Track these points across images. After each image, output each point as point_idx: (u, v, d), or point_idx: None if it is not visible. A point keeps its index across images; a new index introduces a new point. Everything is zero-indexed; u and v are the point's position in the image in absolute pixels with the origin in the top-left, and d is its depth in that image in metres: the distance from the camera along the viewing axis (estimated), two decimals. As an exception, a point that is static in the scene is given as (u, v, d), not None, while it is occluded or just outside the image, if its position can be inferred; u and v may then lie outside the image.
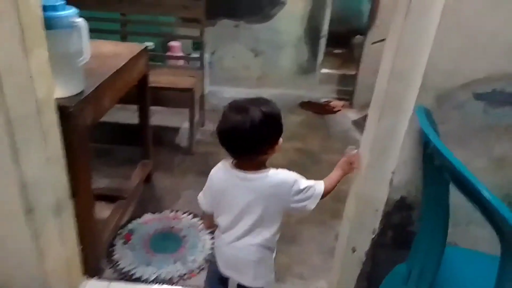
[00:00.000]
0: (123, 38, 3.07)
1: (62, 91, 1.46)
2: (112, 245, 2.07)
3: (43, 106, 1.29)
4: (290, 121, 3.62)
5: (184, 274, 1.93)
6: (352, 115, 3.78)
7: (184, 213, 2.34)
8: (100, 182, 2.50)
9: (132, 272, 1.93)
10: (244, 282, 1.26)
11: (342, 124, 3.62)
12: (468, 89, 1.10)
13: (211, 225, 1.46)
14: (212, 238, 2.15)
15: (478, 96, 1.09)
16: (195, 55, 3.75)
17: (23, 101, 1.20)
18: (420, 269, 1.06)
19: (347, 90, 4.10)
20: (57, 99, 1.40)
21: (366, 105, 3.87)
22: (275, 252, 1.31)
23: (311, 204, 1.21)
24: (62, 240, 1.54)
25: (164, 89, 2.69)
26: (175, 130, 3.29)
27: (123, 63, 1.85)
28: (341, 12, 4.68)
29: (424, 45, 1.05)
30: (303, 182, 1.19)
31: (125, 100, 1.91)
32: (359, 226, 1.37)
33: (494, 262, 0.80)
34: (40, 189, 1.39)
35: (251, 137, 1.11)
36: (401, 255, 1.39)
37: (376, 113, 1.18)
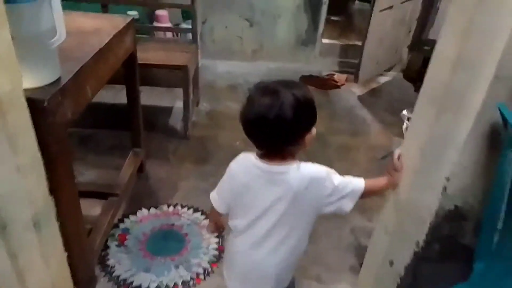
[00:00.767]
0: (104, 8, 2.71)
1: (32, 80, 1.17)
2: (105, 247, 1.84)
3: (7, 103, 1.01)
4: (291, 97, 3.35)
5: (189, 281, 1.72)
6: (357, 90, 3.53)
7: (184, 207, 2.11)
8: (86, 175, 2.24)
9: (130, 280, 1.71)
10: None
11: (347, 100, 3.37)
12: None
13: (217, 229, 1.32)
14: (217, 237, 1.94)
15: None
16: (185, 25, 3.43)
17: (-21, 99, 0.93)
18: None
19: (350, 62, 3.83)
20: (26, 90, 1.11)
21: (372, 79, 3.69)
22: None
23: (348, 203, 1.04)
24: (44, 258, 1.30)
25: (154, 66, 2.39)
26: (167, 110, 3.00)
27: (107, 41, 1.55)
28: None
29: (503, 24, 0.80)
30: (337, 178, 1.03)
31: (110, 79, 1.63)
32: (399, 238, 1.16)
33: None
34: (13, 203, 1.13)
35: (281, 124, 0.94)
36: (447, 269, 1.20)
37: (432, 109, 0.94)
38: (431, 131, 0.95)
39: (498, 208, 0.91)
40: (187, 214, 2.06)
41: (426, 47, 3.67)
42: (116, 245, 1.86)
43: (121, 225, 1.96)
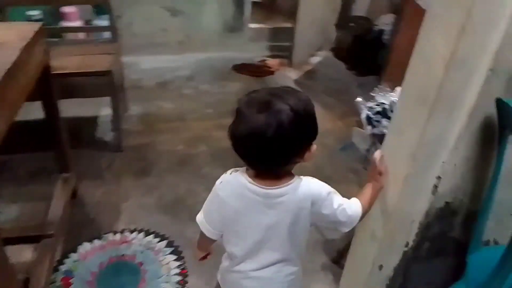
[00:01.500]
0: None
1: None
2: (45, 298, 1.55)
3: None
4: (228, 89, 3.18)
5: (154, 319, 1.52)
6: (292, 73, 3.45)
7: (133, 231, 1.87)
8: (7, 214, 1.89)
9: (83, 332, 1.47)
10: None
11: (284, 85, 3.27)
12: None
13: (206, 255, 1.18)
14: (178, 259, 1.74)
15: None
16: (99, 22, 3.05)
17: None
18: None
19: (281, 45, 3.73)
20: None
21: (305, 62, 3.63)
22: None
23: (345, 229, 0.99)
24: None
25: (73, 75, 2.06)
26: (91, 121, 2.65)
27: (15, 58, 1.24)
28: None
29: (501, 14, 0.72)
30: (337, 200, 0.94)
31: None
32: (388, 243, 1.08)
33: None
34: None
35: (278, 144, 0.82)
36: (436, 265, 1.15)
37: (424, 111, 0.84)
38: (423, 133, 0.86)
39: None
40: (137, 240, 1.83)
41: (352, 24, 3.70)
42: (60, 293, 1.59)
43: (62, 268, 1.68)
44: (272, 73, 3.42)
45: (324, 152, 2.44)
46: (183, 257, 1.76)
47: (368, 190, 1.03)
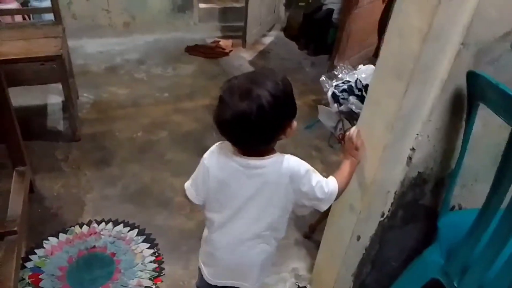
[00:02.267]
0: None
1: None
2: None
3: None
4: (182, 72, 3.11)
5: (134, 307, 1.51)
6: (245, 54, 3.45)
7: (100, 222, 1.81)
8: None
9: (60, 329, 1.42)
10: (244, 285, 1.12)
11: (239, 67, 3.27)
12: (507, 39, 0.89)
13: None
14: (151, 247, 1.72)
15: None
16: (36, 3, 2.83)
17: None
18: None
19: (232, 26, 3.70)
20: None
21: (257, 42, 3.63)
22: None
23: (324, 206, 1.03)
24: None
25: (18, 61, 1.90)
26: (39, 110, 2.48)
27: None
28: None
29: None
30: (315, 178, 0.98)
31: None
32: (366, 214, 1.15)
33: None
34: None
35: (260, 127, 0.88)
36: (409, 231, 1.25)
37: (401, 84, 0.90)
38: (399, 106, 0.92)
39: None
40: (106, 230, 1.78)
41: (301, 3, 3.75)
42: (29, 292, 1.51)
43: (28, 264, 1.59)
44: (226, 54, 3.39)
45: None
46: (156, 244, 1.74)
47: (345, 167, 1.07)
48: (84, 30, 3.29)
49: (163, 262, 1.67)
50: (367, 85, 1.48)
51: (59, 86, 2.16)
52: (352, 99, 1.48)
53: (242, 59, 3.38)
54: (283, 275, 1.68)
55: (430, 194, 1.15)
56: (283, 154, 0.98)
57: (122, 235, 1.76)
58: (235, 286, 1.13)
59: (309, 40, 3.54)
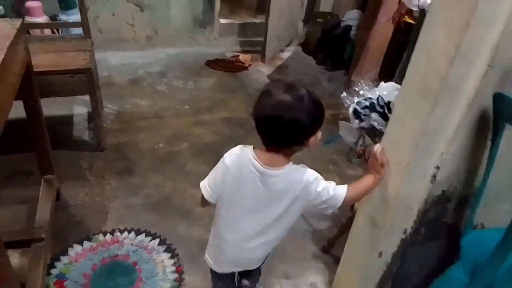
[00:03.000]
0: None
1: None
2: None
3: None
4: (202, 85, 3.18)
5: (155, 316, 1.54)
6: (264, 69, 3.50)
7: (123, 231, 1.85)
8: (-11, 220, 1.81)
9: (83, 335, 1.45)
10: (248, 269, 1.26)
11: (258, 81, 3.33)
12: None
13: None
14: (172, 257, 1.76)
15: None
16: (65, 17, 2.94)
17: None
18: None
19: (251, 41, 3.77)
20: None
21: (276, 56, 3.69)
22: None
23: (328, 210, 1.10)
24: None
25: (51, 73, 1.98)
26: (66, 120, 2.57)
27: (2, 57, 1.19)
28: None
29: (502, 10, 0.81)
30: (321, 184, 1.06)
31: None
32: (388, 230, 1.16)
33: None
34: None
35: (296, 121, 0.96)
36: (431, 248, 1.26)
37: (427, 103, 0.92)
38: (425, 124, 0.94)
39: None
40: (129, 239, 1.82)
41: (319, 20, 3.81)
42: (54, 297, 1.55)
43: (53, 271, 1.64)
44: (245, 68, 3.45)
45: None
46: (177, 254, 1.77)
47: (364, 181, 1.11)
48: (109, 43, 3.40)
49: (183, 272, 1.70)
50: (389, 102, 1.51)
51: (85, 97, 2.24)
52: (374, 116, 1.51)
53: (260, 74, 3.43)
54: (301, 289, 1.69)
55: (453, 212, 1.16)
56: (295, 165, 1.06)
57: (144, 244, 1.80)
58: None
59: (327, 55, 3.58)
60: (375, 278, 1.29)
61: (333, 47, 3.52)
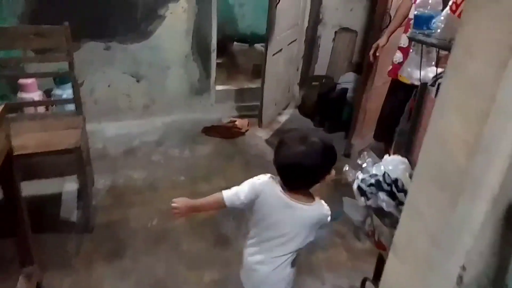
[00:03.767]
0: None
1: None
2: None
3: None
4: (199, 153, 3.09)
5: None
6: (262, 133, 3.44)
7: (108, 329, 1.65)
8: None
9: None
10: None
11: (256, 146, 3.25)
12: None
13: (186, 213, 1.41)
14: None
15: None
16: (59, 91, 2.92)
17: None
18: None
19: (247, 105, 3.76)
20: None
21: (273, 120, 3.65)
22: None
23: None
24: None
25: (36, 155, 1.89)
26: (54, 199, 2.42)
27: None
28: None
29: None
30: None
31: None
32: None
33: None
34: None
35: (311, 167, 1.18)
36: None
37: (445, 195, 0.81)
38: (446, 218, 0.82)
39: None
40: (116, 338, 1.62)
41: (315, 83, 3.83)
42: None
43: None
44: (242, 133, 3.39)
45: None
46: None
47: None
48: (105, 113, 3.37)
49: None
50: (396, 180, 1.39)
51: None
52: (382, 195, 1.38)
53: (258, 139, 3.37)
54: None
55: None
56: (317, 200, 1.29)
57: None
58: None
59: (324, 117, 3.55)
60: None
61: (330, 110, 3.49)
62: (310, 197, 1.27)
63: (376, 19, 2.74)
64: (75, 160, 1.94)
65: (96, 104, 3.34)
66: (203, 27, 3.39)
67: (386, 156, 1.58)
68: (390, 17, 2.70)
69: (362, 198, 1.50)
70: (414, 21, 1.44)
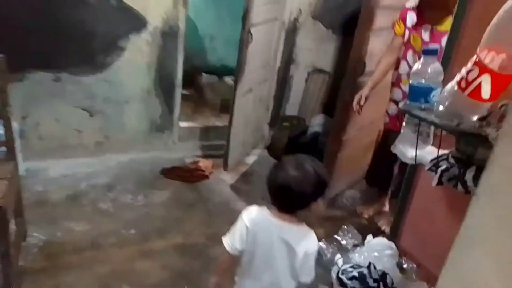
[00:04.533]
0: None
1: None
2: None
3: None
4: (154, 200, 2.76)
5: None
6: (227, 177, 3.16)
7: None
8: None
9: None
10: None
11: (220, 192, 2.96)
12: None
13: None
14: None
15: None
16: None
17: None
18: None
19: (213, 144, 3.49)
20: None
21: (240, 162, 3.37)
22: None
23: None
24: None
25: None
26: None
27: None
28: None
29: None
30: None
31: None
32: None
33: None
34: None
35: (303, 192, 1.24)
36: None
37: None
38: None
39: None
40: None
41: (285, 123, 3.63)
42: None
43: None
44: (205, 177, 3.09)
45: None
46: None
47: None
48: (51, 150, 2.99)
49: None
50: (384, 275, 1.14)
51: None
52: (367, 295, 1.13)
53: (223, 183, 3.08)
54: None
55: None
56: (309, 229, 1.33)
57: None
58: None
59: (295, 162, 3.33)
60: None
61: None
62: (298, 220, 1.31)
63: (349, 66, 2.58)
64: (-6, 223, 1.58)
65: (41, 140, 2.96)
66: (168, 61, 3.13)
67: (369, 237, 1.35)
68: (364, 64, 2.55)
69: (341, 290, 1.24)
70: (410, 92, 1.25)
